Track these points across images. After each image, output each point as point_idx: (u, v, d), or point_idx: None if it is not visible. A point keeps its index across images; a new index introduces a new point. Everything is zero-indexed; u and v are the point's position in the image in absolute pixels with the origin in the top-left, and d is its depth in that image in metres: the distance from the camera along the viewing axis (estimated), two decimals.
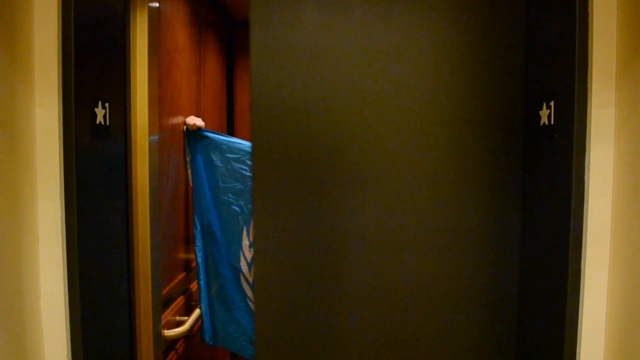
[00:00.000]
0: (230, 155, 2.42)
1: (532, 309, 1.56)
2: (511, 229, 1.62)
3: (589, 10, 1.32)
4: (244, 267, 2.44)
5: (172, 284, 2.34)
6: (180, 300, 2.44)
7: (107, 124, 1.51)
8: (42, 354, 1.37)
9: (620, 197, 1.31)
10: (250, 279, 2.45)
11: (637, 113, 1.25)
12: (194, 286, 2.67)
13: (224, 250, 2.46)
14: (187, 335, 2.38)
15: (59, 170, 1.33)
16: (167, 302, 2.25)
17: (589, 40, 1.32)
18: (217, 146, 2.43)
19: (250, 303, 2.47)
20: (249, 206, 2.41)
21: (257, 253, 1.61)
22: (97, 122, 1.45)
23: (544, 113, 1.45)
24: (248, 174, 2.41)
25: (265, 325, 1.63)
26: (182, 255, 2.55)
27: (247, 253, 2.43)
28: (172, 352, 2.27)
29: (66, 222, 1.34)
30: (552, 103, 1.42)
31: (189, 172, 2.49)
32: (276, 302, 1.63)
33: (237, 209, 2.42)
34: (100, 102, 1.46)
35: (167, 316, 2.16)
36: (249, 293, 2.47)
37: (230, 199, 2.42)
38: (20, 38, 1.28)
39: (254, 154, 1.59)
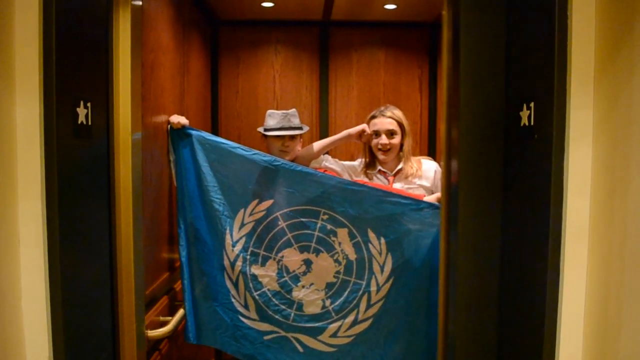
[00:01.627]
0: (214, 155, 2.41)
1: (513, 307, 1.58)
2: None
3: (568, 12, 1.34)
4: (227, 265, 2.44)
5: (155, 284, 2.33)
6: (164, 300, 2.43)
7: (89, 123, 1.50)
8: (23, 355, 1.36)
9: (598, 197, 1.34)
10: (233, 277, 2.45)
11: (615, 114, 1.27)
12: (178, 286, 2.66)
13: (208, 248, 2.46)
14: (171, 336, 2.38)
15: (40, 170, 1.32)
16: (150, 302, 2.24)
17: (568, 42, 1.34)
18: (202, 145, 2.42)
19: (233, 300, 2.47)
20: (232, 205, 2.41)
21: None
22: (79, 121, 1.44)
23: (524, 114, 1.47)
24: (231, 174, 2.41)
25: None
26: (165, 255, 2.55)
27: (230, 251, 2.43)
28: (156, 353, 2.26)
29: (47, 223, 1.33)
30: (532, 104, 1.44)
31: (173, 171, 2.48)
32: None
33: (220, 207, 2.41)
34: (82, 102, 1.45)
35: (150, 316, 2.15)
36: (232, 290, 2.47)
37: (214, 198, 2.41)
38: (0, 37, 1.27)
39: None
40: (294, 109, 2.73)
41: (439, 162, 2.94)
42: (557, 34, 1.34)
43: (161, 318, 2.32)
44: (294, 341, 2.45)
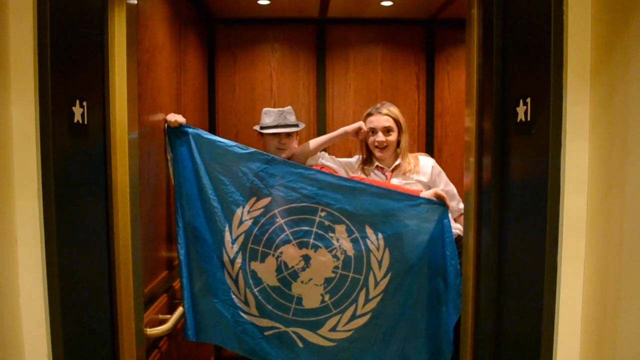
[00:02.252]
0: (211, 153, 2.41)
1: (511, 302, 1.59)
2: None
3: (564, 8, 1.34)
4: (227, 261, 2.44)
5: (154, 282, 2.33)
6: (163, 299, 2.43)
7: (85, 122, 1.49)
8: (22, 354, 1.36)
9: (595, 192, 1.34)
10: (233, 273, 2.45)
11: (611, 110, 1.27)
12: (176, 284, 2.66)
13: (207, 246, 2.46)
14: (171, 334, 2.38)
15: (36, 169, 1.32)
16: (149, 301, 2.24)
17: (564, 38, 1.34)
18: (199, 143, 2.42)
19: (233, 296, 2.48)
20: (230, 203, 2.41)
21: None
22: (75, 120, 1.44)
23: (520, 110, 1.47)
24: (228, 172, 2.41)
25: None
26: (164, 253, 2.54)
27: (230, 248, 2.43)
28: (156, 351, 2.26)
29: (45, 222, 1.33)
30: (528, 100, 1.44)
31: (171, 170, 2.48)
32: None
33: (218, 205, 2.42)
34: (77, 101, 1.45)
35: (149, 314, 2.15)
36: (233, 287, 2.47)
37: (212, 196, 2.41)
38: None
39: None
40: (289, 107, 2.73)
41: (436, 159, 2.95)
42: (553, 30, 1.34)
43: (160, 316, 2.32)
44: (294, 336, 2.46)
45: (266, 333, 2.47)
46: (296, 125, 2.69)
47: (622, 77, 1.23)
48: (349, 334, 2.43)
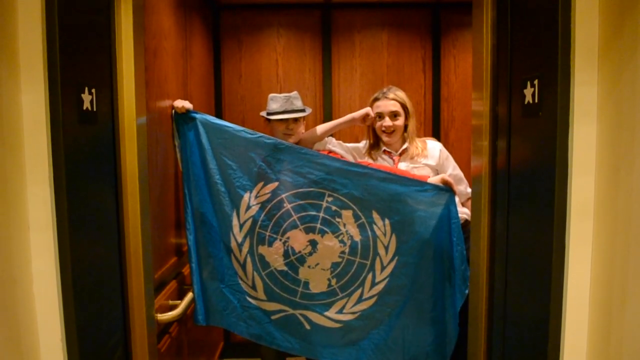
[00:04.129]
0: (218, 138, 2.42)
1: (518, 284, 1.60)
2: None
3: None
4: (234, 247, 2.46)
5: (164, 268, 2.36)
6: (172, 285, 2.46)
7: (94, 109, 1.50)
8: (36, 339, 1.38)
9: (602, 174, 1.34)
10: (241, 258, 2.47)
11: (619, 91, 1.27)
12: (186, 270, 2.68)
13: (214, 231, 2.47)
14: (181, 319, 2.40)
15: (47, 156, 1.33)
16: (159, 287, 2.26)
17: (572, 19, 1.33)
18: (206, 129, 2.43)
19: (240, 281, 2.50)
20: (238, 188, 2.42)
21: None
22: (84, 108, 1.45)
23: (528, 91, 1.47)
24: (236, 157, 2.42)
25: None
26: (173, 239, 2.56)
27: (238, 233, 2.45)
28: (166, 336, 2.29)
29: (56, 208, 1.34)
30: (536, 81, 1.43)
31: (178, 155, 2.49)
32: None
33: (226, 190, 2.43)
34: (86, 88, 1.46)
35: (159, 300, 2.17)
36: (240, 272, 2.49)
37: (219, 181, 2.43)
38: (3, 25, 1.27)
39: None
40: (295, 92, 2.72)
41: (443, 143, 2.94)
42: (561, 10, 1.33)
43: (170, 302, 2.34)
44: (301, 318, 2.48)
45: (273, 317, 2.50)
46: (303, 110, 2.69)
47: (630, 58, 1.23)
48: (355, 315, 2.46)
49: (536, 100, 1.43)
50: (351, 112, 2.80)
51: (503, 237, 1.67)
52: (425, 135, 3.22)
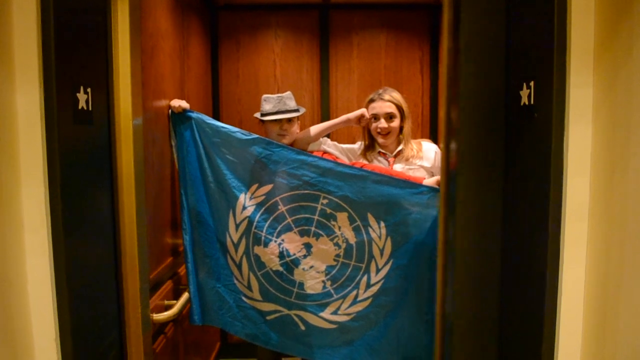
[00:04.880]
0: (214, 139, 2.42)
1: (513, 286, 1.60)
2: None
3: None
4: (230, 247, 2.46)
5: (159, 268, 2.35)
6: (168, 285, 2.45)
7: (90, 109, 1.50)
8: (30, 339, 1.38)
9: (598, 176, 1.34)
10: (237, 259, 2.47)
11: (614, 93, 1.27)
12: (182, 270, 2.68)
13: (210, 231, 2.48)
14: (176, 319, 2.40)
15: (42, 156, 1.33)
16: (155, 287, 2.26)
17: (568, 20, 1.34)
18: (202, 129, 2.43)
19: (235, 281, 2.50)
20: (234, 188, 2.42)
21: None
22: (80, 107, 1.45)
23: (524, 93, 1.47)
24: (231, 158, 2.42)
25: None
26: (169, 240, 2.56)
27: (234, 233, 2.45)
28: (162, 336, 2.29)
29: (51, 208, 1.34)
30: (532, 83, 1.43)
31: (175, 155, 2.49)
32: None
33: (222, 191, 2.43)
34: (82, 88, 1.46)
35: (155, 300, 2.17)
36: (235, 272, 2.49)
37: (215, 182, 2.43)
38: None
39: None
40: (288, 92, 2.72)
41: (439, 145, 2.94)
42: (557, 12, 1.33)
43: (166, 302, 2.34)
44: (296, 318, 2.48)
45: (268, 317, 2.50)
46: (296, 110, 2.69)
47: (625, 60, 1.23)
48: (350, 316, 2.46)
49: (532, 102, 1.44)
50: (348, 113, 2.80)
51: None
52: (423, 137, 3.22)
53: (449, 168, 1.72)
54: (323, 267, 2.43)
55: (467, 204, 1.64)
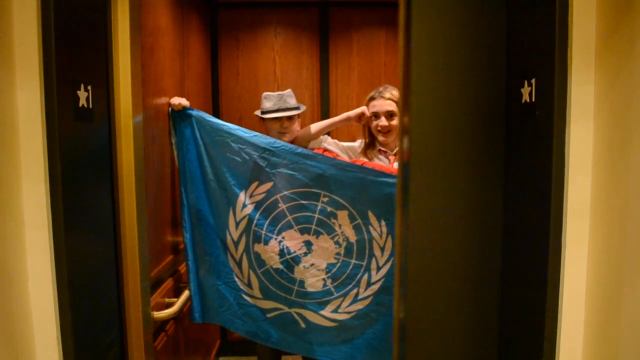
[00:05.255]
0: (214, 137, 2.42)
1: (515, 284, 1.60)
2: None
3: None
4: (230, 244, 2.46)
5: (160, 266, 2.35)
6: (169, 283, 2.45)
7: (90, 106, 1.50)
8: (31, 336, 1.37)
9: (599, 174, 1.34)
10: (237, 256, 2.47)
11: (616, 90, 1.27)
12: (182, 268, 2.68)
13: (210, 228, 2.48)
14: (177, 317, 2.40)
15: (42, 153, 1.33)
16: (155, 285, 2.26)
17: (569, 18, 1.33)
18: (202, 127, 2.42)
19: (236, 279, 2.50)
20: (234, 186, 2.42)
21: None
22: (80, 105, 1.45)
23: (525, 90, 1.47)
24: (232, 156, 2.42)
25: None
26: (169, 238, 2.56)
27: (234, 231, 2.45)
28: (162, 334, 2.29)
29: (52, 205, 1.34)
30: (533, 80, 1.43)
31: (175, 153, 2.48)
32: None
33: (222, 188, 2.43)
34: (82, 85, 1.45)
35: (156, 298, 2.17)
36: (236, 269, 2.49)
37: (216, 179, 2.43)
38: None
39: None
40: (289, 90, 2.72)
41: None
42: (558, 8, 1.33)
43: (166, 300, 2.34)
44: (296, 316, 2.48)
45: (269, 315, 2.50)
46: (297, 108, 2.69)
47: (627, 57, 1.23)
48: (351, 315, 2.46)
49: (533, 100, 1.43)
50: (348, 110, 2.79)
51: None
52: None
53: (404, 165, 1.67)
54: (324, 265, 2.43)
55: (423, 201, 1.60)
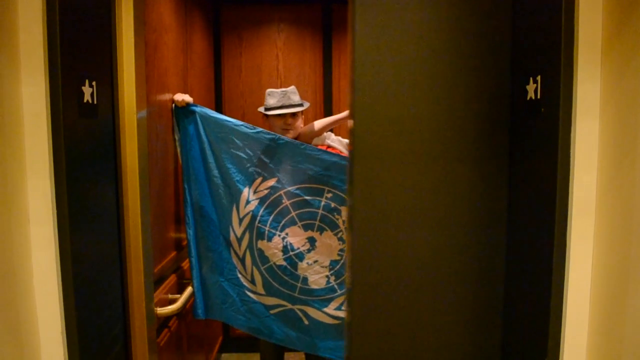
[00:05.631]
0: (218, 132, 2.42)
1: (519, 281, 1.59)
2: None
3: None
4: (233, 241, 2.46)
5: (163, 263, 2.36)
6: (172, 279, 2.46)
7: (95, 102, 1.50)
8: (36, 332, 1.38)
9: (604, 171, 1.33)
10: (240, 253, 2.47)
11: (622, 88, 1.26)
12: (185, 264, 2.68)
13: (213, 225, 2.48)
14: (180, 313, 2.41)
15: (47, 149, 1.33)
16: (159, 281, 2.26)
17: (575, 14, 1.33)
18: (206, 123, 2.42)
19: (239, 275, 2.50)
20: (237, 182, 2.42)
21: None
22: (85, 100, 1.45)
23: (530, 87, 1.46)
24: (235, 152, 2.42)
25: None
26: (172, 234, 2.56)
27: (237, 227, 2.45)
28: (166, 330, 2.29)
29: (56, 201, 1.34)
30: (538, 77, 1.43)
31: (178, 150, 2.48)
32: None
33: (225, 185, 2.43)
34: (87, 81, 1.45)
35: (159, 294, 2.17)
36: (239, 266, 2.49)
37: (219, 176, 2.42)
38: (3, 17, 1.27)
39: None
40: (292, 86, 2.72)
41: None
42: (565, 5, 1.32)
43: (170, 296, 2.35)
44: (299, 313, 2.48)
45: (272, 311, 2.50)
46: (301, 105, 2.68)
47: (633, 54, 1.22)
48: None
49: (538, 96, 1.43)
50: None
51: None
52: None
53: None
54: (327, 262, 2.43)
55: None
